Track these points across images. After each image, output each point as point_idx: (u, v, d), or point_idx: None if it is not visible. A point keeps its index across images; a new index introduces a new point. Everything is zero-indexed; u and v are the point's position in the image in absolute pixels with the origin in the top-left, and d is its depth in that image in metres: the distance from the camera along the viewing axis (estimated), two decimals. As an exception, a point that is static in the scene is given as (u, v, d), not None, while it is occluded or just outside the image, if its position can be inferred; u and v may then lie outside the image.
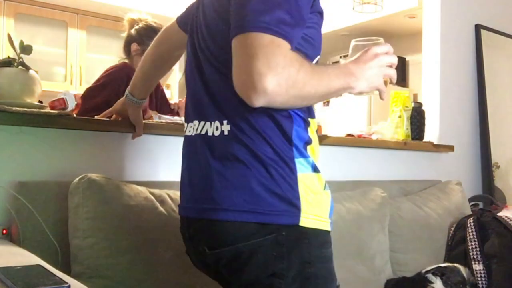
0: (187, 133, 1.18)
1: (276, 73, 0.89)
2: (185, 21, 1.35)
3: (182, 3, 4.55)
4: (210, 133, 1.09)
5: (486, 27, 3.16)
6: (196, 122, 1.13)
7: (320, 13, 1.08)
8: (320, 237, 1.06)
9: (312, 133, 1.11)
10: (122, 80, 2.03)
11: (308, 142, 1.08)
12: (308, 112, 1.10)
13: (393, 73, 1.08)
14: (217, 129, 1.07)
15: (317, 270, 1.05)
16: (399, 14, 4.30)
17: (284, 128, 1.04)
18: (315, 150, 1.11)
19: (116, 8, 4.22)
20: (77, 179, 1.41)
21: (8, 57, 1.49)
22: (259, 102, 0.91)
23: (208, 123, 1.10)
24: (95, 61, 4.34)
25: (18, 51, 1.46)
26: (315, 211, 1.05)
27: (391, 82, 1.11)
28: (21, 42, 1.48)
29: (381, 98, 1.10)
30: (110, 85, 2.08)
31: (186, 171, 1.16)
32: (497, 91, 3.15)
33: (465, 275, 2.02)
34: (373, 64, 1.04)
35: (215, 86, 1.09)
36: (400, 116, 2.60)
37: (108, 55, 4.25)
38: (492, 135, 3.08)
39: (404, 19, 4.42)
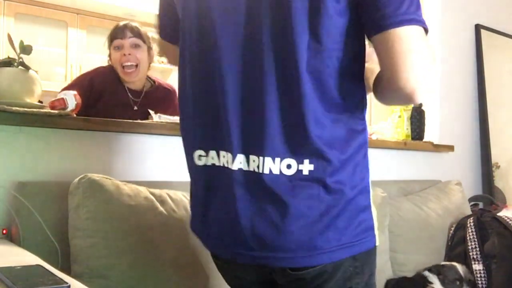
0: (208, 163, 1.02)
1: (429, 77, 0.91)
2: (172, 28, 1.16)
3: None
4: (267, 171, 0.94)
5: (486, 27, 3.16)
6: (229, 154, 0.98)
7: None
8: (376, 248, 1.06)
9: None
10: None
11: None
12: None
13: None
14: (289, 167, 0.94)
15: (374, 279, 1.08)
16: (399, 14, 4.29)
17: (365, 150, 1.04)
18: None
19: (116, 8, 4.22)
20: (77, 179, 1.41)
21: (8, 57, 1.49)
22: (422, 97, 0.91)
23: (265, 159, 0.94)
24: (95, 61, 4.33)
25: (18, 51, 1.46)
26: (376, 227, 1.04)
27: None
28: (21, 42, 1.48)
29: None
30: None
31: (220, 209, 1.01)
32: (497, 91, 3.15)
33: (461, 272, 2.03)
34: None
35: (290, 111, 0.94)
36: (400, 116, 2.60)
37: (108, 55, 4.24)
38: (492, 135, 3.08)
39: (404, 19, 4.42)
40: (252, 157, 0.96)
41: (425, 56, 0.90)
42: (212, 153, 1.01)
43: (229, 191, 0.98)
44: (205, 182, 1.04)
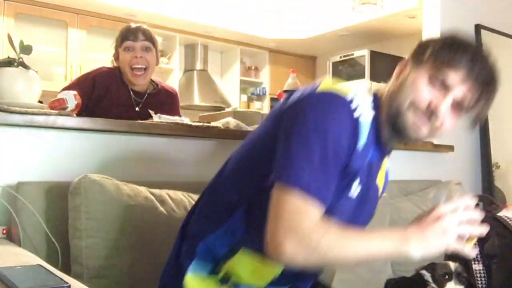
0: None
1: (296, 241, 0.91)
2: None
3: (181, 4, 4.56)
4: None
5: (486, 27, 3.16)
6: None
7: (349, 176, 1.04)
8: None
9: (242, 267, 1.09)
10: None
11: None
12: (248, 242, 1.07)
13: (468, 231, 0.99)
14: None
15: None
16: (399, 14, 4.30)
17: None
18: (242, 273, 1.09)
19: (116, 8, 4.22)
20: (77, 179, 1.41)
21: (8, 57, 1.49)
22: (277, 259, 0.95)
23: None
24: (95, 61, 4.32)
25: (18, 51, 1.46)
26: None
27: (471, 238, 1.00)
28: (21, 42, 1.48)
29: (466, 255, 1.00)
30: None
31: None
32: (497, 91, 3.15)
33: (452, 268, 2.03)
34: (436, 227, 0.98)
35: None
36: (400, 116, 2.60)
37: (108, 55, 4.24)
38: (492, 135, 3.08)
39: (404, 19, 4.42)
40: None
41: (288, 226, 0.92)
42: None
43: None
44: None
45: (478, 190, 3.04)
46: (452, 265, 2.05)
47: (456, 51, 1.04)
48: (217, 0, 4.64)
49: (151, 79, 2.25)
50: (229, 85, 5.36)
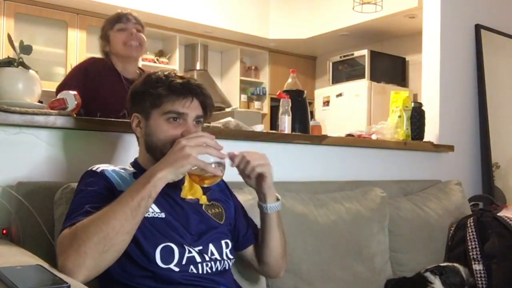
0: None
1: (60, 254, 1.07)
2: None
3: (181, 4, 4.55)
4: None
5: (486, 27, 3.16)
6: None
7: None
8: None
9: None
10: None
11: None
12: None
13: (205, 150, 1.15)
14: None
15: None
16: (399, 14, 4.30)
17: None
18: None
19: (116, 8, 4.21)
20: (60, 189, 1.38)
21: (8, 57, 1.49)
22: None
23: None
24: (95, 61, 4.32)
25: (18, 51, 1.46)
26: None
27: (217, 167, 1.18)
28: (21, 42, 1.48)
29: (211, 172, 1.17)
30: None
31: None
32: (497, 91, 3.15)
33: (464, 275, 2.01)
34: (175, 149, 1.14)
35: None
36: (400, 116, 2.60)
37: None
38: (492, 135, 3.08)
39: (404, 19, 4.42)
40: None
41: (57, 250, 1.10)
42: None
43: None
44: None
45: (478, 190, 3.05)
46: (462, 270, 2.01)
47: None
48: (217, 0, 4.65)
49: (138, 67, 2.32)
50: (229, 85, 5.37)
